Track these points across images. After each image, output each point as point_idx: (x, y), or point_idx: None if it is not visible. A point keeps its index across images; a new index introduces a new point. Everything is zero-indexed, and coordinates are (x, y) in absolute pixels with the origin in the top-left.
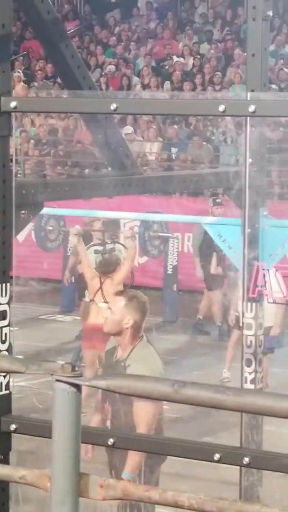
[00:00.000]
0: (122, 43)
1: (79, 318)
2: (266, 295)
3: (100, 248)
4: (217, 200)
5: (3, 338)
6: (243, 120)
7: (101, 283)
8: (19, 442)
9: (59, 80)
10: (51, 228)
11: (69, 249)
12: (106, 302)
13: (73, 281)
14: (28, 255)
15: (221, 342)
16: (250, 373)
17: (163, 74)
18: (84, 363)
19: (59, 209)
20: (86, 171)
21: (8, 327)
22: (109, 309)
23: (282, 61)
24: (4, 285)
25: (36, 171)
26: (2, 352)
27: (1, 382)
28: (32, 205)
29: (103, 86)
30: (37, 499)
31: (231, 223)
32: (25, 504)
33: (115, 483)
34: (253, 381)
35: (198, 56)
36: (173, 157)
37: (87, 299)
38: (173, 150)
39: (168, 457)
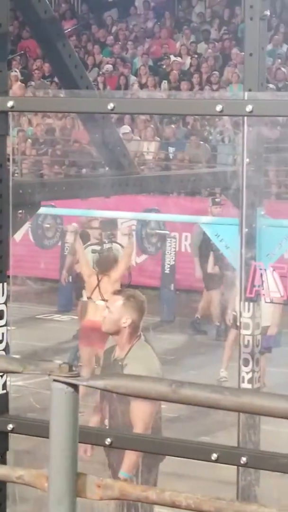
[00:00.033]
0: (120, 43)
1: (76, 317)
2: (264, 294)
3: (97, 247)
4: (216, 200)
5: (0, 338)
6: (241, 120)
7: (99, 281)
8: (16, 442)
9: (56, 79)
10: (48, 226)
11: (66, 249)
12: (104, 300)
13: (70, 280)
14: (25, 255)
15: (218, 342)
16: (247, 373)
17: (161, 73)
18: (81, 361)
19: (56, 208)
20: (84, 170)
21: (5, 327)
22: (107, 307)
23: (279, 60)
24: (1, 284)
25: (33, 171)
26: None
27: None
28: (29, 204)
29: (101, 86)
30: (35, 499)
31: (229, 223)
32: (23, 504)
33: (112, 483)
34: (250, 381)
35: (196, 56)
36: (171, 157)
37: (84, 298)
38: (171, 149)
39: (166, 456)
